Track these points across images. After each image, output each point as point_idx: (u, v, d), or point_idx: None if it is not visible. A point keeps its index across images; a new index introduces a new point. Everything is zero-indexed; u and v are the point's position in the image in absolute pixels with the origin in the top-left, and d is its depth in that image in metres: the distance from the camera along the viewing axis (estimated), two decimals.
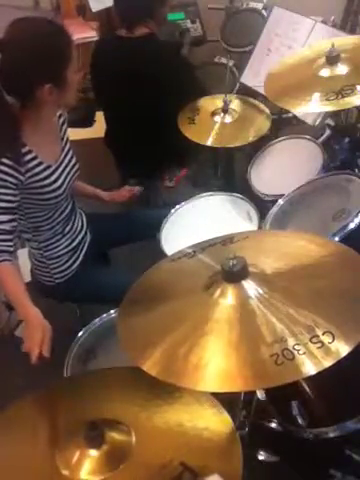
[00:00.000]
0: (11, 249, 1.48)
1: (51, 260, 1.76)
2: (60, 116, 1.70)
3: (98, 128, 2.81)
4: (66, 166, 1.68)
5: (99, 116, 2.80)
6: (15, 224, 1.50)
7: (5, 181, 1.46)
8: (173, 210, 2.00)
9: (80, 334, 1.58)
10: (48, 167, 1.59)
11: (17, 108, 1.52)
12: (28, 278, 2.10)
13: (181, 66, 2.29)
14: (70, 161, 1.71)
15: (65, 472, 0.96)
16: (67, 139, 1.72)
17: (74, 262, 1.81)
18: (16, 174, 1.48)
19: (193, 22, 3.04)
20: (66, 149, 1.70)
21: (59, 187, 1.63)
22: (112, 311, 1.62)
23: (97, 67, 2.36)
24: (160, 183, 2.75)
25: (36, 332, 1.39)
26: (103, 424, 1.00)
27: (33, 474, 0.98)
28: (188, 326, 1.03)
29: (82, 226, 1.87)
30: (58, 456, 0.99)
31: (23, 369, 2.10)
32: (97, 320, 1.62)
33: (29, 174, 1.53)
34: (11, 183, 1.47)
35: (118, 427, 1.03)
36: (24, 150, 1.51)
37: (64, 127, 1.72)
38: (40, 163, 1.56)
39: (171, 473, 0.94)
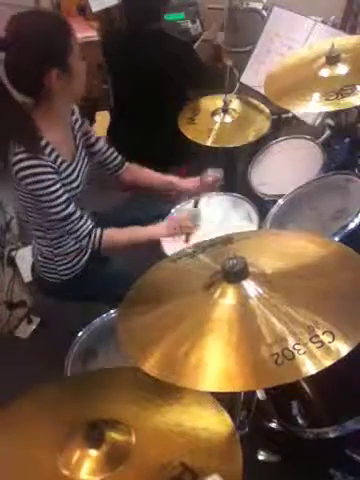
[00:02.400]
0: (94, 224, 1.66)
1: (60, 256, 1.77)
2: (73, 113, 1.72)
3: (98, 128, 2.81)
4: (81, 164, 1.71)
5: (99, 116, 2.80)
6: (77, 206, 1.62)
7: (49, 174, 1.52)
8: (173, 210, 2.00)
9: (80, 334, 1.58)
10: (68, 165, 1.63)
11: (30, 107, 1.56)
12: (28, 278, 2.10)
13: (194, 62, 2.31)
14: (84, 159, 1.74)
15: (65, 472, 0.96)
16: (80, 137, 1.74)
17: (80, 260, 1.82)
18: (53, 169, 1.53)
19: (193, 22, 3.04)
20: (80, 147, 1.73)
21: (77, 186, 1.66)
22: (112, 311, 1.62)
23: (109, 63, 2.38)
24: None
25: (180, 223, 1.73)
26: (103, 424, 1.00)
27: (33, 474, 0.98)
28: (188, 326, 1.03)
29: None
30: (58, 456, 0.99)
31: (23, 369, 2.11)
32: (97, 320, 1.62)
33: (58, 170, 1.57)
34: (56, 180, 1.54)
35: (118, 427, 1.03)
36: (49, 149, 1.55)
37: (77, 125, 1.73)
38: (63, 161, 1.60)
39: (171, 473, 0.94)
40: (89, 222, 1.66)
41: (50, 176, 1.53)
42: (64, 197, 1.57)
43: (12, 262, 2.30)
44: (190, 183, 2.00)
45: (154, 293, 1.19)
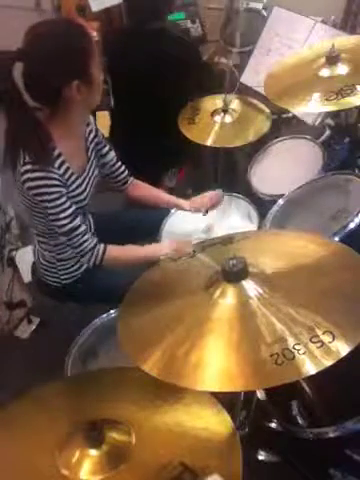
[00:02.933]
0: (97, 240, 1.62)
1: (62, 261, 1.76)
2: (88, 124, 1.69)
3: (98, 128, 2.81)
4: (90, 176, 1.68)
5: (99, 116, 2.80)
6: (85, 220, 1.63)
7: (59, 187, 1.48)
8: (173, 210, 2.00)
9: (80, 334, 1.58)
10: (78, 178, 1.60)
11: (46, 116, 1.51)
12: (28, 278, 2.10)
13: (200, 63, 2.31)
14: (94, 172, 1.70)
15: (65, 472, 0.96)
16: (93, 148, 1.71)
17: (83, 264, 1.81)
18: (61, 182, 1.50)
19: (193, 22, 3.03)
20: (91, 159, 1.69)
21: (85, 198, 1.64)
22: (112, 311, 1.63)
23: (110, 62, 2.37)
24: (160, 183, 2.75)
25: (184, 247, 1.52)
26: (103, 424, 1.00)
27: (33, 474, 0.98)
28: (188, 326, 1.03)
29: (90, 230, 1.87)
30: (58, 456, 0.99)
31: (23, 369, 2.11)
32: (97, 320, 1.62)
33: (66, 183, 1.54)
34: (63, 193, 1.51)
35: (118, 427, 1.03)
36: (60, 160, 1.51)
37: (91, 137, 1.69)
38: (72, 174, 1.57)
39: (171, 473, 0.94)
40: (92, 238, 1.61)
41: (57, 189, 1.49)
42: (70, 211, 1.53)
43: (12, 262, 2.30)
44: (195, 204, 1.93)
45: (154, 293, 1.19)
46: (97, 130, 1.74)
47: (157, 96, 2.25)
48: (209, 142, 2.11)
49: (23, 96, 1.42)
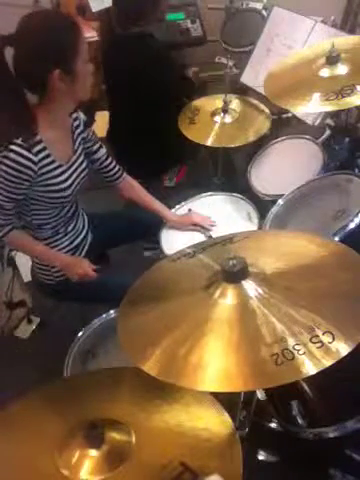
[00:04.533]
0: (16, 221, 1.65)
1: None
2: (75, 119, 1.71)
3: (98, 128, 2.80)
4: (77, 168, 1.70)
5: (99, 116, 2.80)
6: (16, 206, 1.61)
7: (20, 173, 1.51)
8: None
9: (80, 334, 1.58)
10: (60, 166, 1.62)
11: (34, 104, 1.56)
12: (28, 278, 2.10)
13: (165, 66, 2.29)
14: (81, 165, 1.72)
15: (65, 472, 0.96)
16: (80, 142, 1.73)
17: None
18: (30, 169, 1.52)
19: (193, 22, 3.03)
20: (78, 152, 1.72)
21: (68, 187, 1.65)
22: (112, 311, 1.63)
23: (104, 64, 2.38)
24: (160, 183, 2.75)
25: (76, 266, 1.71)
26: (103, 424, 1.00)
27: (33, 474, 0.98)
28: (188, 326, 1.03)
29: (83, 226, 1.88)
30: (58, 456, 0.99)
31: (23, 369, 2.11)
32: (97, 320, 1.62)
33: (42, 171, 1.56)
34: (25, 179, 1.53)
35: (118, 427, 1.03)
36: (40, 147, 1.54)
37: (78, 131, 1.72)
38: (53, 161, 1.59)
39: (171, 473, 0.94)
40: (6, 221, 1.61)
41: (16, 170, 1.50)
42: (10, 194, 1.54)
43: (12, 262, 2.30)
44: (180, 219, 1.96)
45: (154, 293, 1.19)
46: (85, 125, 1.76)
47: (147, 97, 2.25)
48: (209, 142, 2.11)
49: (17, 81, 1.49)
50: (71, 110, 1.68)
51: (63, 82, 1.50)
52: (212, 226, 1.92)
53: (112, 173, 1.90)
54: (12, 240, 1.68)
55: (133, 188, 1.96)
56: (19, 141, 1.50)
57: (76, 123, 1.72)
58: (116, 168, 1.90)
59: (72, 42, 1.50)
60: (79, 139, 1.73)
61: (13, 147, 1.49)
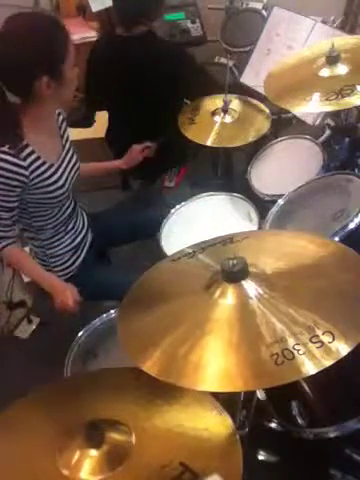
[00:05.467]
0: (15, 233, 1.63)
1: (53, 258, 1.77)
2: (59, 114, 1.71)
3: (98, 128, 2.81)
4: (68, 164, 1.69)
5: (99, 116, 2.80)
6: (15, 214, 1.60)
7: (12, 180, 1.50)
8: (173, 210, 2.00)
9: (80, 334, 1.58)
10: (51, 166, 1.61)
11: (18, 106, 1.53)
12: (28, 278, 2.10)
13: (186, 63, 2.29)
14: (71, 160, 1.72)
15: (65, 472, 0.96)
16: (67, 137, 1.73)
17: (75, 260, 1.82)
18: (21, 175, 1.51)
19: (193, 22, 3.03)
20: (67, 147, 1.71)
21: (62, 186, 1.64)
22: (112, 311, 1.63)
23: (96, 65, 2.36)
24: (160, 183, 2.75)
25: (61, 293, 1.66)
26: (103, 424, 1.00)
27: (33, 474, 0.98)
28: (188, 326, 1.03)
29: (83, 225, 1.88)
30: (58, 456, 0.99)
31: (23, 369, 2.12)
32: (97, 320, 1.62)
33: (34, 175, 1.55)
34: (16, 186, 1.52)
35: (118, 427, 1.03)
36: (28, 151, 1.53)
37: (64, 125, 1.72)
38: (43, 163, 1.58)
39: (171, 473, 0.94)
40: (6, 232, 1.59)
41: (8, 175, 1.49)
42: (4, 201, 1.53)
43: None
44: (126, 157, 2.08)
45: (154, 293, 1.19)
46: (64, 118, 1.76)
47: (150, 98, 2.25)
48: (209, 142, 2.11)
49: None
50: (56, 112, 1.67)
51: (50, 88, 1.48)
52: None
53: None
54: (7, 255, 1.64)
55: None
56: (6, 148, 1.47)
57: (60, 118, 1.71)
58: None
59: (61, 48, 1.47)
60: (66, 134, 1.72)
61: (0, 155, 1.47)
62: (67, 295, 1.65)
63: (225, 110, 2.16)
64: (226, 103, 2.15)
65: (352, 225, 1.48)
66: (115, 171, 2.17)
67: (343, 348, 0.91)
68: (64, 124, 1.73)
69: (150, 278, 1.25)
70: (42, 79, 1.45)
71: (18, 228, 1.70)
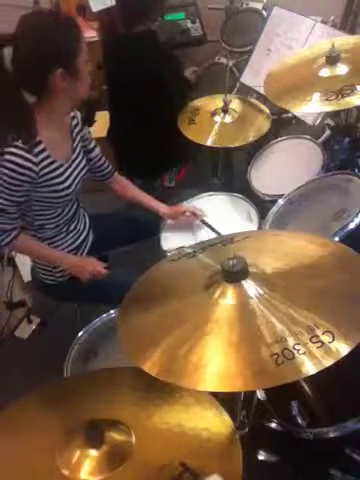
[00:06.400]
0: (20, 223, 1.65)
1: None
2: (73, 118, 1.72)
3: (98, 128, 2.81)
4: (76, 167, 1.71)
5: (99, 116, 2.80)
6: (21, 208, 1.62)
7: (22, 175, 1.52)
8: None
9: (80, 334, 1.58)
10: (60, 166, 1.63)
11: (32, 104, 1.56)
12: (28, 278, 2.10)
13: (169, 62, 2.29)
14: (80, 163, 1.73)
15: (65, 472, 0.96)
16: (79, 141, 1.74)
17: None
18: (31, 170, 1.53)
19: (193, 22, 3.04)
20: (77, 150, 1.73)
21: (69, 186, 1.66)
22: (112, 311, 1.63)
23: (106, 64, 2.38)
24: (160, 183, 2.75)
25: (86, 265, 1.74)
26: (103, 424, 1.00)
27: (33, 474, 0.98)
28: (188, 326, 1.03)
29: (85, 226, 1.89)
30: (58, 456, 0.99)
31: (23, 369, 2.12)
32: (97, 320, 1.62)
33: (43, 172, 1.57)
34: (26, 180, 1.54)
35: (118, 427, 1.03)
36: (40, 147, 1.55)
37: (77, 129, 1.73)
38: (53, 161, 1.60)
39: (171, 473, 0.94)
40: (12, 224, 1.62)
41: (16, 172, 1.51)
42: (10, 196, 1.55)
43: (12, 262, 2.30)
44: (172, 210, 1.97)
45: (154, 293, 1.19)
46: (84, 126, 1.78)
47: (149, 98, 2.25)
48: (209, 142, 2.11)
49: (17, 82, 1.49)
50: (69, 109, 1.69)
51: (65, 81, 1.51)
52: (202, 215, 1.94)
53: (105, 172, 1.92)
54: (20, 243, 1.67)
55: (125, 186, 1.99)
56: (19, 143, 1.50)
57: (74, 122, 1.73)
58: (109, 167, 1.92)
59: (74, 41, 1.51)
60: (78, 138, 1.74)
61: (13, 150, 1.50)
62: (94, 264, 1.74)
63: (225, 110, 2.16)
64: (226, 103, 2.15)
65: (352, 225, 1.48)
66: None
67: (343, 348, 0.91)
68: (77, 128, 1.73)
69: (150, 278, 1.25)
70: (56, 72, 1.48)
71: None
